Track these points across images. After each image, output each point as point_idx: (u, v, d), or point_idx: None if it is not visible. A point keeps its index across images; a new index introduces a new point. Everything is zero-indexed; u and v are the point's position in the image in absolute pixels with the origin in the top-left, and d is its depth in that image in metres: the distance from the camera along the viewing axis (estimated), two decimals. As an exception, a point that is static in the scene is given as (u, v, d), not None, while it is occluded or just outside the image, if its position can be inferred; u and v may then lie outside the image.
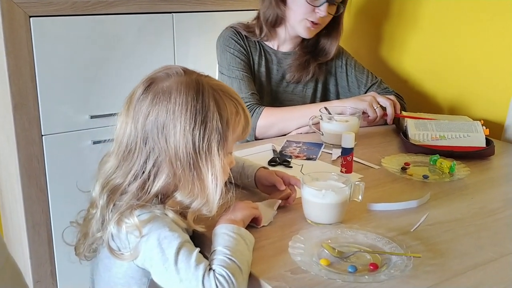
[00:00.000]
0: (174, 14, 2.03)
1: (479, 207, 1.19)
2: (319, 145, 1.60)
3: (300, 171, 1.40)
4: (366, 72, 1.86)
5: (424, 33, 1.98)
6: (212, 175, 0.94)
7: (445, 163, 1.38)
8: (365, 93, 1.82)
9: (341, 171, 1.34)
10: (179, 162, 0.92)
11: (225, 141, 0.95)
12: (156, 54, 1.98)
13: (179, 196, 0.95)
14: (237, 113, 0.98)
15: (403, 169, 1.39)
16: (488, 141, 1.54)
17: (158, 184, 0.94)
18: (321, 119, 1.59)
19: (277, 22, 1.79)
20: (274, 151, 1.54)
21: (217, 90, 0.96)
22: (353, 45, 2.18)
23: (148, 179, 0.95)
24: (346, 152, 1.32)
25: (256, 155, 1.51)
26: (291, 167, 1.42)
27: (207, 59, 2.03)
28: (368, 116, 1.67)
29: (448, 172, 1.36)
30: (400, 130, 1.70)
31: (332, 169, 1.41)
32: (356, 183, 1.09)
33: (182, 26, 2.04)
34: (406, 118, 1.66)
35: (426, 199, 1.21)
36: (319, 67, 1.85)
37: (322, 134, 1.60)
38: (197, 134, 0.92)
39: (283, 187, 1.15)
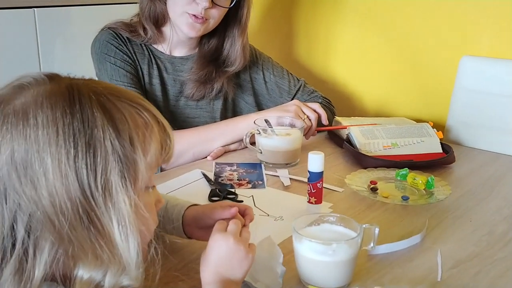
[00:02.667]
0: (35, 9, 1.65)
1: (486, 232, 0.99)
2: (256, 166, 1.30)
3: (254, 205, 1.09)
4: (286, 75, 1.57)
5: (351, 29, 1.77)
6: (119, 225, 0.59)
7: (420, 178, 1.16)
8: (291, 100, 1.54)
9: (309, 202, 1.05)
10: (62, 217, 0.57)
11: (133, 169, 0.61)
12: (16, 59, 1.59)
13: (81, 272, 0.60)
14: (146, 125, 0.64)
15: (373, 189, 1.15)
16: (442, 146, 1.37)
17: (42, 262, 0.58)
18: (259, 133, 1.29)
19: (159, 19, 1.42)
20: (207, 179, 1.21)
21: (106, 95, 0.62)
22: (270, 43, 1.89)
23: (25, 257, 0.58)
24: (315, 178, 1.04)
25: (185, 189, 1.17)
26: (241, 200, 1.10)
27: (83, 62, 1.61)
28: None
29: (424, 189, 1.15)
30: (339, 138, 1.46)
31: (292, 198, 1.12)
32: (365, 226, 0.81)
33: (46, 23, 1.66)
34: (351, 129, 1.42)
35: (425, 229, 0.98)
36: (227, 79, 1.49)
37: (260, 152, 1.30)
38: (83, 166, 0.57)
39: (233, 213, 0.82)
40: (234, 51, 1.45)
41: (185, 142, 1.35)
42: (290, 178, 1.22)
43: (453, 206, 1.09)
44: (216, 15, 1.38)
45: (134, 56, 1.42)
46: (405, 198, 1.11)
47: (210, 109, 1.50)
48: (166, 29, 1.44)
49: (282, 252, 0.78)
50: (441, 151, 1.36)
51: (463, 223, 1.03)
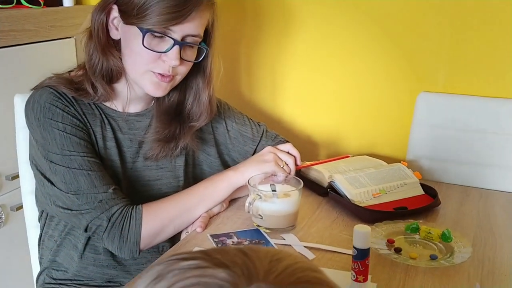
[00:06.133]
0: None
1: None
2: (256, 233, 1.18)
3: None
4: (248, 121, 1.45)
5: (300, 67, 1.70)
6: None
7: (434, 231, 1.15)
8: (255, 149, 1.43)
9: (356, 280, 0.97)
10: None
11: None
12: None
13: None
14: None
15: (397, 250, 1.10)
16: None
17: None
18: (260, 198, 1.17)
19: (113, 76, 1.21)
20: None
21: None
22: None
23: None
24: (363, 255, 0.96)
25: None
26: None
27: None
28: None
29: (439, 241, 1.14)
30: (317, 185, 1.39)
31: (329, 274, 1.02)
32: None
33: None
34: (335, 176, 1.36)
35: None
36: (192, 134, 1.32)
37: (261, 218, 1.18)
38: None
39: None
40: (200, 104, 1.29)
41: (165, 216, 1.19)
42: (305, 247, 1.12)
43: (481, 260, 1.09)
44: (183, 71, 1.21)
45: (85, 118, 1.20)
46: (433, 257, 1.08)
47: (172, 167, 1.32)
48: (120, 86, 1.24)
49: None
50: (422, 192, 1.37)
51: (501, 282, 1.03)
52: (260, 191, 1.17)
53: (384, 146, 1.65)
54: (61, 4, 1.76)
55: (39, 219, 1.31)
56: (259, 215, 1.18)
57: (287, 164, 1.32)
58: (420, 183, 1.38)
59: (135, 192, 1.26)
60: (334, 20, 1.63)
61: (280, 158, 1.31)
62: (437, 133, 1.54)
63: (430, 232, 1.15)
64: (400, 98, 1.60)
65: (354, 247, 0.96)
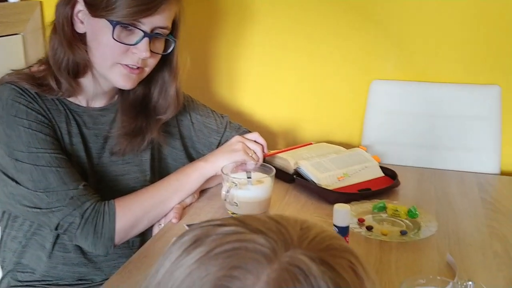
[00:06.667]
0: None
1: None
2: (230, 221, 1.19)
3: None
4: (211, 113, 1.46)
5: (258, 58, 1.73)
6: None
7: (401, 208, 1.21)
8: (220, 140, 1.45)
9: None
10: None
11: None
12: None
13: None
14: None
15: (368, 228, 1.15)
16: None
17: None
18: (236, 185, 1.18)
19: (79, 70, 1.18)
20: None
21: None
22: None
23: None
24: (343, 233, 1.00)
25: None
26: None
27: None
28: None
29: (406, 219, 1.20)
30: (283, 173, 1.42)
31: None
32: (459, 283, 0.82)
33: None
34: (300, 162, 1.40)
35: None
36: (157, 127, 1.31)
37: (237, 205, 1.19)
38: None
39: None
40: (167, 97, 1.29)
41: (138, 209, 1.19)
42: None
43: (447, 233, 1.16)
44: (152, 63, 1.21)
45: (49, 115, 1.17)
46: (404, 233, 1.14)
47: (139, 162, 1.31)
48: (85, 80, 1.22)
49: None
50: (382, 174, 1.44)
51: (477, 251, 1.10)
52: (235, 178, 1.19)
53: (341, 133, 1.71)
54: (6, 0, 1.69)
55: (-1, 221, 1.26)
56: (235, 202, 1.19)
57: (255, 153, 1.34)
58: (379, 165, 1.45)
59: (103, 187, 1.24)
60: (288, 13, 1.67)
61: (248, 147, 1.33)
62: (389, 118, 1.62)
63: (397, 210, 1.22)
64: (354, 86, 1.66)
65: (334, 226, 1.00)
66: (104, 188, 1.25)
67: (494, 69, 1.59)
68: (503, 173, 1.60)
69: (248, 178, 1.21)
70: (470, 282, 0.84)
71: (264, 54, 1.73)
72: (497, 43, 1.57)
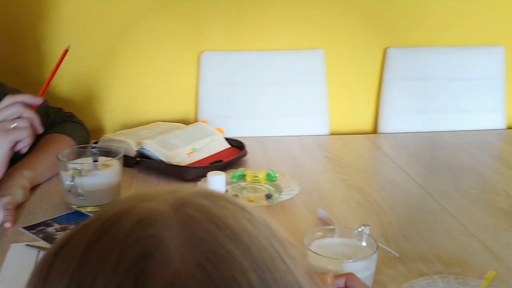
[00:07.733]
0: None
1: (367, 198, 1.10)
2: (77, 216, 1.02)
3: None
4: None
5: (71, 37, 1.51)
6: None
7: (260, 173, 1.17)
8: None
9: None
10: None
11: None
12: None
13: None
14: None
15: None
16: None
17: None
18: (79, 172, 1.01)
19: None
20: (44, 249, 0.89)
21: None
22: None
23: None
24: (219, 201, 0.92)
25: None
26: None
27: None
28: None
29: (266, 183, 1.17)
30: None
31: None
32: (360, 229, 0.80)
33: None
34: (144, 142, 1.26)
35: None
36: None
37: (83, 197, 1.02)
38: None
39: None
40: None
41: None
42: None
43: (307, 190, 1.15)
44: None
45: None
46: (269, 196, 1.11)
47: None
48: None
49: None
50: (229, 146, 1.38)
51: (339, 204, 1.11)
52: (78, 164, 1.02)
53: (174, 111, 1.60)
54: None
55: None
56: (80, 193, 1.02)
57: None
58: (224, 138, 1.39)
59: None
60: None
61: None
62: (223, 89, 1.57)
63: (256, 176, 1.17)
64: (184, 60, 1.57)
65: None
66: None
67: (498, 30, 1.62)
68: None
69: (94, 161, 1.04)
70: (368, 227, 0.83)
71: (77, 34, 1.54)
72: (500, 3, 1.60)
